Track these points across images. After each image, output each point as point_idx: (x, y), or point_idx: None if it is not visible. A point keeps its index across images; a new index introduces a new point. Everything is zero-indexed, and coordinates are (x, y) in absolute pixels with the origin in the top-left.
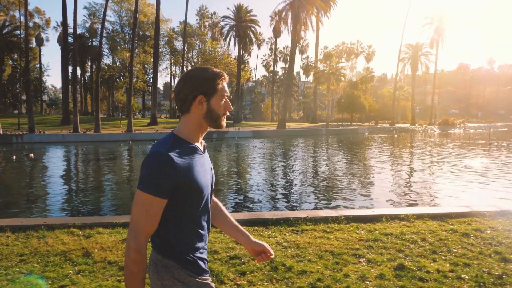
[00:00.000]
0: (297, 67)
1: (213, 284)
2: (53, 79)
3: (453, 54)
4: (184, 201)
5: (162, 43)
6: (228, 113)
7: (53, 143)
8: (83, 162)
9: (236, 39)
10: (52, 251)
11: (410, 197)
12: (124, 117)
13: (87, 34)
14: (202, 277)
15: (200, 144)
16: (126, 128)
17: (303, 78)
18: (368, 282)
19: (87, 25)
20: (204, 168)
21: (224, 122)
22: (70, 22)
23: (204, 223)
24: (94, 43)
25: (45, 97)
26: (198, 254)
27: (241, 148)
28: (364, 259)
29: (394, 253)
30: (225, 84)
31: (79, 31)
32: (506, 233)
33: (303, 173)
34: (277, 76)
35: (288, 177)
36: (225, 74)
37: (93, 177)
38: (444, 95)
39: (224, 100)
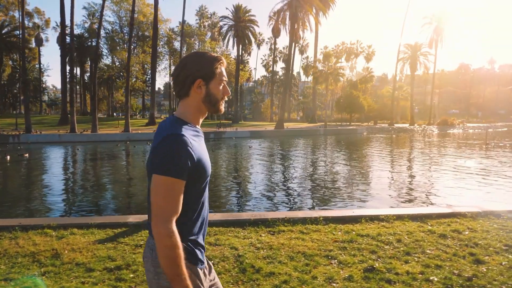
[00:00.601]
0: (297, 67)
1: (204, 280)
2: (53, 79)
3: (454, 54)
4: (193, 185)
5: (161, 43)
6: (226, 98)
7: (50, 143)
8: (77, 162)
9: (235, 39)
10: (22, 252)
11: (399, 197)
12: (123, 117)
13: (86, 34)
14: (198, 267)
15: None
16: (123, 128)
17: (303, 78)
18: (335, 284)
19: (87, 25)
20: (206, 151)
21: (222, 107)
22: (68, 22)
23: (206, 209)
24: (93, 43)
25: (45, 97)
26: (199, 241)
27: (236, 148)
28: (336, 260)
29: (367, 254)
30: (223, 69)
31: (78, 31)
32: (484, 234)
33: (295, 173)
34: (277, 76)
35: (279, 177)
36: (223, 58)
37: (85, 177)
38: (444, 95)
39: (222, 84)
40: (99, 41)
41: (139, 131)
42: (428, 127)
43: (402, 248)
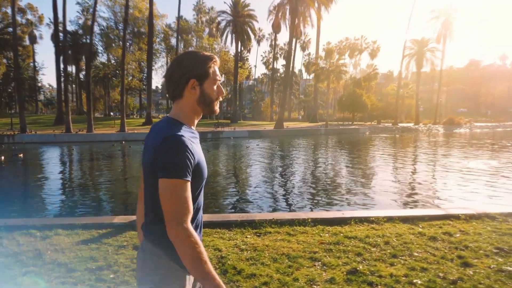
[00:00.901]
0: (299, 64)
1: (187, 286)
2: (49, 77)
3: (464, 50)
4: (191, 187)
5: (158, 40)
6: (221, 98)
7: (45, 143)
8: (70, 163)
9: (233, 35)
10: (5, 253)
11: (396, 199)
12: (120, 116)
13: (81, 31)
14: (185, 272)
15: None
16: (119, 128)
17: (305, 76)
18: (315, 287)
19: (81, 21)
20: (202, 154)
21: (217, 107)
22: (62, 19)
23: (201, 213)
24: (88, 41)
25: (41, 97)
26: None
27: (232, 149)
28: (320, 262)
29: (352, 256)
30: (216, 68)
31: (72, 28)
32: (476, 237)
33: (290, 174)
34: (278, 74)
35: (273, 178)
36: (216, 57)
37: (78, 177)
38: (452, 93)
39: (216, 84)
40: (93, 38)
41: (135, 131)
42: (434, 126)
43: (389, 251)
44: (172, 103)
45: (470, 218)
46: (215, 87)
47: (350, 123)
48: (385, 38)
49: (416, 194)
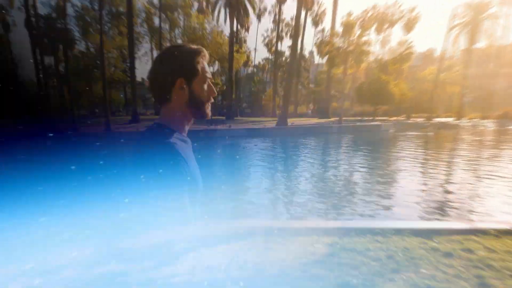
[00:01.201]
0: (310, 46)
1: None
2: (28, 71)
3: None
4: None
5: (139, 21)
6: (212, 99)
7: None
8: (61, 164)
9: (227, 9)
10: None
11: (414, 210)
12: (104, 114)
13: (54, 14)
14: None
15: (186, 136)
16: (104, 127)
17: (317, 60)
18: None
19: (53, 3)
20: (196, 164)
21: (209, 110)
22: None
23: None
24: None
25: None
26: None
27: (228, 149)
28: (308, 274)
29: (346, 269)
30: (205, 64)
31: (45, 11)
32: (504, 256)
33: (288, 179)
34: (283, 58)
35: (269, 182)
36: (204, 50)
37: (68, 178)
38: None
39: (207, 83)
40: (67, 21)
41: (121, 130)
42: (482, 121)
43: (391, 265)
44: (160, 107)
45: (502, 234)
46: (205, 86)
47: (371, 118)
48: (425, 8)
49: (445, 205)
